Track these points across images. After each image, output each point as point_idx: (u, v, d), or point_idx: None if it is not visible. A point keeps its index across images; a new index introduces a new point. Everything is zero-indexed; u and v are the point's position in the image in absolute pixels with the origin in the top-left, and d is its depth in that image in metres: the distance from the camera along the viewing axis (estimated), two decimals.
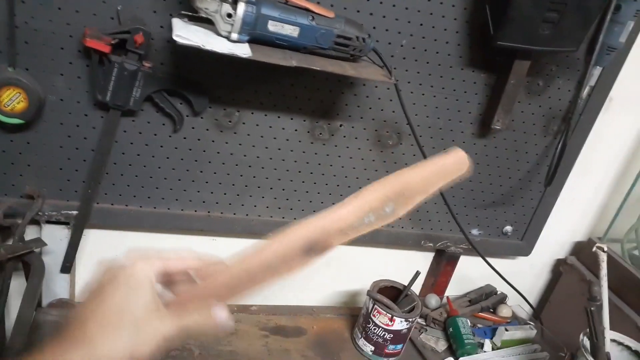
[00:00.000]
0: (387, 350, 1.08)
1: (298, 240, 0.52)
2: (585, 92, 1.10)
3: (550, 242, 1.38)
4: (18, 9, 0.79)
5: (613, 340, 1.01)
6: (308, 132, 1.02)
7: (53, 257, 0.99)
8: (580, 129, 1.17)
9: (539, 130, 1.16)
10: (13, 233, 0.91)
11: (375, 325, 1.06)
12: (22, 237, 0.91)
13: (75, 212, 0.96)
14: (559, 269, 1.39)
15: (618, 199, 1.32)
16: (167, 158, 0.97)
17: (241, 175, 1.03)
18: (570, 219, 1.37)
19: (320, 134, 1.03)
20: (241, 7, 0.74)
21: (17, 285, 0.94)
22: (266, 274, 0.52)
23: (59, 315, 0.98)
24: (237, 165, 1.02)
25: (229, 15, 0.75)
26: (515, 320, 1.31)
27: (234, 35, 0.76)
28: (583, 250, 1.37)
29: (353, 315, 1.18)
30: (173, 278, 0.53)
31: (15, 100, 0.83)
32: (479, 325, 1.25)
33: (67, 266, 1.00)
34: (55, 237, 0.97)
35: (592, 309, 0.93)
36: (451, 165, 0.57)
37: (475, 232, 1.26)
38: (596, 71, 1.08)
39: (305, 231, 0.52)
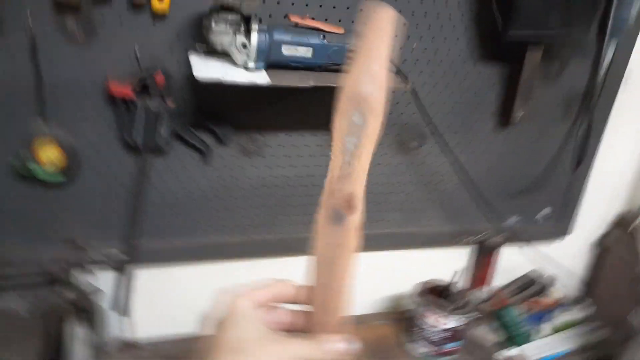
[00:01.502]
0: (444, 350, 1.07)
1: (323, 215, 0.51)
2: (603, 69, 1.09)
3: (590, 219, 1.36)
4: (44, 66, 0.82)
5: None
6: (331, 145, 1.03)
7: (109, 300, 1.02)
8: (602, 106, 1.16)
9: (560, 114, 1.15)
10: (69, 284, 0.94)
11: (429, 326, 1.06)
12: (77, 286, 0.95)
13: (123, 255, 0.99)
14: (603, 244, 1.37)
15: None
16: (200, 190, 1.00)
17: (271, 196, 1.05)
18: (606, 193, 1.35)
19: None
20: (255, 37, 0.77)
21: (79, 332, 0.97)
22: (338, 267, 0.51)
23: (124, 355, 1.01)
24: (266, 187, 1.04)
25: (244, 46, 0.78)
26: (567, 302, 1.29)
27: (251, 64, 0.78)
28: (625, 222, 1.34)
29: (400, 319, 1.18)
30: (268, 305, 0.53)
31: (52, 155, 0.87)
32: (531, 312, 1.24)
33: (123, 308, 1.03)
34: (108, 282, 1.01)
35: None
36: (376, 28, 0.49)
37: (513, 220, 1.25)
38: (611, 47, 1.07)
39: (324, 200, 0.51)
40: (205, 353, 0.49)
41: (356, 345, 0.51)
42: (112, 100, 0.87)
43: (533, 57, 1.02)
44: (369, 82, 0.48)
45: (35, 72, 0.82)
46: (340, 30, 0.83)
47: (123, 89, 0.85)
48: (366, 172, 0.50)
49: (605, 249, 1.37)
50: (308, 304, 0.52)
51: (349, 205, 0.50)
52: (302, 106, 0.98)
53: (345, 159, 0.50)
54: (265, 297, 0.52)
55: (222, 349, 0.48)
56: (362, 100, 0.48)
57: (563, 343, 1.15)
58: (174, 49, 0.87)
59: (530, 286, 1.30)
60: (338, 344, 0.50)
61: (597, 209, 1.36)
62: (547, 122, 1.16)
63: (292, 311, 0.53)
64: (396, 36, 0.48)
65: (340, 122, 0.49)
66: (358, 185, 0.50)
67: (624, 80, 1.15)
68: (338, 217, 0.50)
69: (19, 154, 0.85)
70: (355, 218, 0.50)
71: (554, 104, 1.14)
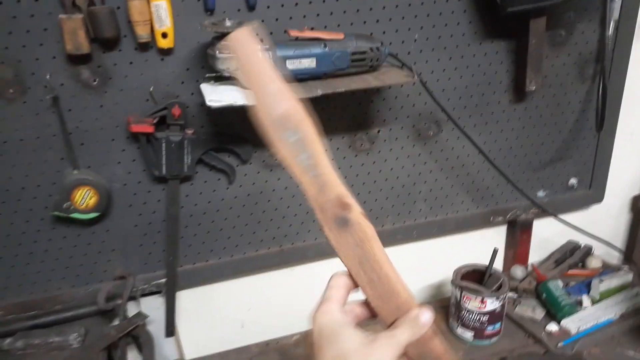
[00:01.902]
0: (486, 332, 1.08)
1: (329, 229, 0.52)
2: (612, 26, 1.07)
3: (622, 182, 1.34)
4: (67, 117, 0.87)
5: None
6: (349, 147, 1.05)
7: (156, 325, 1.07)
8: (617, 64, 1.15)
9: (575, 79, 1.14)
10: (117, 313, 0.99)
11: (469, 311, 1.07)
12: (125, 315, 0.99)
13: (164, 280, 1.03)
14: (637, 206, 1.34)
15: None
16: (230, 208, 1.03)
17: (300, 205, 1.08)
18: (635, 153, 1.32)
19: (362, 145, 1.06)
20: None
21: (133, 358, 1.02)
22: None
23: None
24: (293, 196, 1.06)
25: None
26: (607, 269, 1.27)
27: None
28: None
29: (443, 306, 1.19)
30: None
31: (86, 197, 0.91)
32: (572, 284, 1.23)
33: (171, 330, 1.08)
34: (153, 307, 1.05)
35: None
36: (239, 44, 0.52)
37: (541, 193, 1.25)
38: (616, 3, 1.05)
39: (321, 218, 0.53)
40: None
41: (432, 311, 0.52)
42: (135, 137, 0.91)
43: (537, 27, 1.01)
44: (276, 102, 0.51)
45: (60, 123, 0.86)
46: (340, 36, 0.85)
47: (143, 125, 0.89)
48: (332, 166, 0.53)
49: (639, 211, 1.35)
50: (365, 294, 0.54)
51: (343, 206, 0.52)
52: (314, 114, 1.00)
53: (310, 175, 0.52)
54: (344, 296, 0.53)
55: None
56: (282, 120, 0.52)
57: (606, 312, 1.14)
58: (186, 81, 0.90)
59: (567, 258, 1.29)
60: (422, 316, 0.51)
61: (627, 170, 1.34)
62: (562, 89, 1.14)
63: (361, 302, 0.54)
64: (262, 41, 0.50)
65: (281, 150, 0.52)
66: (337, 185, 0.52)
67: (636, 33, 1.13)
68: (342, 222, 0.53)
69: (55, 200, 0.90)
70: (356, 211, 0.52)
71: (567, 70, 1.13)
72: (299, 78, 0.84)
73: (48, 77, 0.82)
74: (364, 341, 0.49)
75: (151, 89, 0.89)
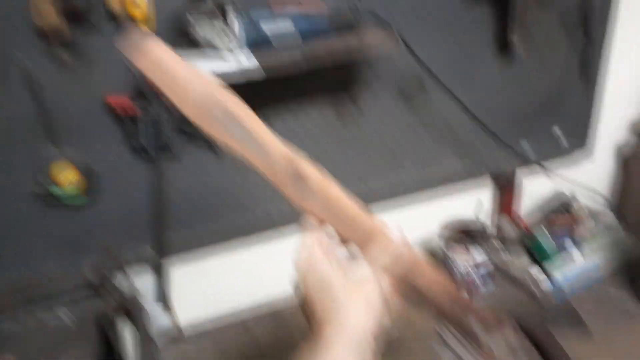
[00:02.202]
0: (476, 284, 1.10)
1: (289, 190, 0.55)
2: None
3: (607, 130, 1.34)
4: (43, 94, 0.84)
5: None
6: (334, 112, 1.04)
7: (149, 297, 1.07)
8: (602, 13, 1.13)
9: (559, 33, 1.12)
10: (107, 288, 0.99)
11: (456, 264, 1.09)
12: (116, 289, 0.99)
13: (153, 253, 1.03)
14: (623, 153, 1.35)
15: None
16: (217, 181, 1.02)
17: None
18: (621, 101, 1.32)
19: (346, 109, 1.04)
20: (232, 19, 0.76)
21: (128, 332, 1.02)
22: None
23: (172, 345, 1.07)
24: None
25: (225, 31, 0.78)
26: (593, 217, 1.29)
27: (237, 51, 0.78)
28: None
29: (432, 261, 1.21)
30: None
31: (72, 178, 0.89)
32: (558, 233, 1.25)
33: (163, 301, 1.08)
34: (145, 282, 1.05)
35: None
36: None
37: (526, 145, 1.25)
38: None
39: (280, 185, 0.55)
40: (311, 316, 0.52)
41: (400, 229, 0.56)
42: (115, 114, 0.89)
43: None
44: (191, 89, 0.52)
45: (39, 104, 0.84)
46: (319, 3, 0.82)
47: (122, 101, 0.86)
48: (267, 129, 0.55)
49: (625, 159, 1.35)
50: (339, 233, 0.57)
51: (291, 164, 0.55)
52: (298, 83, 0.98)
53: (251, 146, 0.54)
54: (320, 237, 0.56)
55: (321, 304, 0.52)
56: (203, 104, 0.52)
57: (592, 257, 1.16)
58: None
59: (554, 208, 1.31)
60: (394, 233, 0.56)
61: (614, 118, 1.34)
62: (547, 45, 1.13)
63: (338, 237, 0.57)
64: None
65: (215, 132, 0.54)
66: (279, 146, 0.55)
67: None
68: (296, 179, 0.55)
69: (38, 180, 0.88)
70: (304, 164, 0.55)
71: (551, 25, 1.11)
72: (278, 43, 0.82)
73: (21, 57, 0.79)
74: (344, 269, 0.53)
75: (126, 61, 0.86)
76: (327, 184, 0.56)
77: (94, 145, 0.91)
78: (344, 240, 0.57)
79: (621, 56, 1.23)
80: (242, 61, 0.78)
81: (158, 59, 0.52)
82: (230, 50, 0.79)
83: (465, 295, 0.58)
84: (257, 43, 0.81)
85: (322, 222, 0.56)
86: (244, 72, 0.77)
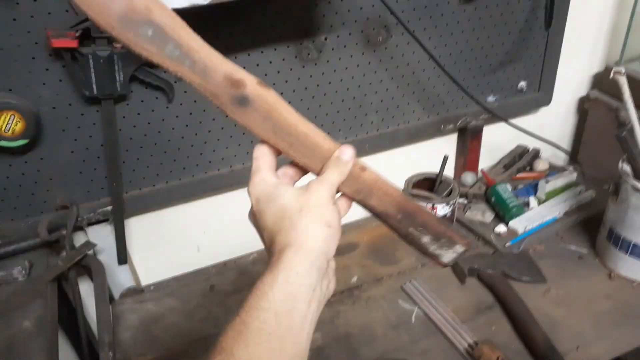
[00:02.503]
0: None
1: (232, 112, 0.52)
2: None
3: (569, 84, 1.35)
4: None
5: None
6: (296, 57, 1.00)
7: (107, 253, 1.04)
8: None
9: None
10: (63, 244, 0.95)
11: None
12: (72, 245, 0.96)
13: (110, 207, 0.99)
14: (584, 106, 1.37)
15: (625, 18, 1.27)
16: (173, 129, 0.98)
17: None
18: (582, 54, 1.33)
19: (309, 54, 1.01)
20: None
21: (87, 289, 1.00)
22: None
23: (133, 302, 1.05)
24: None
25: None
26: (553, 170, 1.31)
27: None
28: (604, 81, 1.34)
29: None
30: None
31: (12, 123, 0.84)
32: (520, 187, 1.27)
33: (122, 257, 1.05)
34: (101, 236, 1.02)
35: (623, 134, 0.92)
36: None
37: (491, 98, 1.24)
38: None
39: (220, 104, 0.52)
40: (269, 241, 0.51)
41: (352, 147, 0.54)
42: (58, 54, 0.83)
43: None
44: (113, 1, 0.46)
45: None
46: None
47: (65, 40, 0.80)
48: (207, 45, 0.50)
49: (585, 111, 1.37)
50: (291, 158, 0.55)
51: (235, 84, 0.50)
52: (255, 21, 0.94)
53: (186, 64, 0.49)
54: (271, 162, 0.54)
55: (279, 228, 0.50)
56: (128, 16, 0.46)
57: (551, 211, 1.19)
58: None
59: (516, 162, 1.32)
60: (343, 154, 0.53)
61: (575, 72, 1.35)
62: None
63: (291, 164, 0.56)
64: None
65: (143, 50, 0.47)
66: (221, 63, 0.50)
67: None
68: (241, 101, 0.51)
69: None
70: (251, 84, 0.51)
71: None
72: None
73: None
74: (298, 192, 0.52)
75: None
76: (275, 105, 0.52)
77: (38, 89, 0.85)
78: (297, 164, 0.55)
79: (583, 8, 1.23)
80: (195, 0, 0.74)
81: None
82: None
83: (421, 209, 0.56)
84: None
85: (272, 145, 0.53)
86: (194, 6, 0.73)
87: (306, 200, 0.51)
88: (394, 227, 0.57)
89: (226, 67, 0.50)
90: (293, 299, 0.47)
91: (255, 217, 0.53)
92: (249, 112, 0.51)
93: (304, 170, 0.56)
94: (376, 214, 0.56)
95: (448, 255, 0.57)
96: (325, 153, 0.53)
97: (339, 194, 0.56)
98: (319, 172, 0.54)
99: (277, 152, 0.54)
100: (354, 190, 0.55)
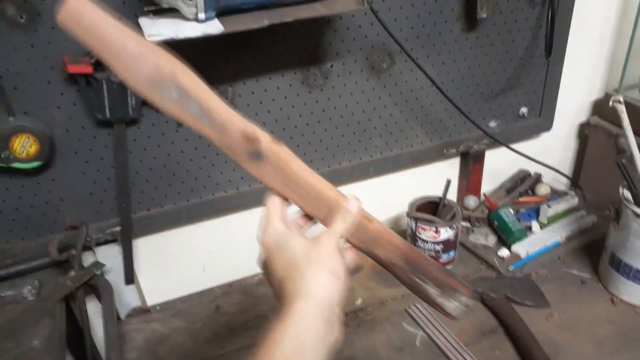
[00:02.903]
0: (441, 260, 1.12)
1: (247, 165, 0.55)
2: None
3: (569, 110, 1.38)
4: None
5: None
6: (302, 83, 1.03)
7: (114, 273, 1.05)
8: None
9: (525, 4, 1.13)
10: (72, 264, 0.97)
11: (424, 241, 1.10)
12: (81, 265, 0.97)
13: (118, 228, 1.01)
14: (585, 132, 1.39)
15: (624, 45, 1.30)
16: (182, 152, 1.00)
17: None
18: (582, 80, 1.36)
19: (315, 80, 1.04)
20: None
21: (95, 308, 1.01)
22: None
23: (139, 322, 1.06)
24: None
25: None
26: (555, 195, 1.33)
27: (201, 15, 0.76)
28: (603, 107, 1.36)
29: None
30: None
31: (26, 145, 0.86)
32: (522, 210, 1.28)
33: (130, 278, 1.06)
34: (109, 256, 1.03)
35: (622, 161, 0.94)
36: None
37: (492, 124, 1.27)
38: None
39: (237, 159, 0.55)
40: (279, 290, 0.53)
41: (357, 199, 0.57)
42: (73, 79, 0.86)
43: None
44: (141, 62, 0.49)
45: None
46: None
47: (80, 65, 0.83)
48: (224, 104, 0.53)
49: (586, 137, 1.39)
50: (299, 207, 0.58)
51: (250, 141, 0.53)
52: (264, 48, 0.97)
53: (206, 123, 0.52)
54: (282, 212, 0.57)
55: (288, 277, 0.52)
56: (155, 79, 0.49)
57: (553, 235, 1.20)
58: (124, 15, 0.84)
59: (518, 186, 1.34)
60: (349, 206, 0.56)
61: (576, 98, 1.37)
62: (513, 16, 1.14)
63: (301, 213, 0.59)
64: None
65: (168, 109, 0.51)
66: (238, 122, 0.53)
67: None
68: (255, 156, 0.54)
69: None
70: (265, 141, 0.54)
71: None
72: (244, 7, 0.80)
73: None
74: (308, 243, 0.54)
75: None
76: (287, 159, 0.55)
77: (53, 113, 0.88)
78: (306, 214, 0.58)
79: (584, 30, 1.26)
80: (208, 30, 0.76)
81: (104, 30, 0.48)
82: (196, 19, 0.77)
83: (426, 259, 0.58)
84: (224, 11, 0.79)
85: (283, 196, 0.56)
86: (207, 36, 0.76)
87: (315, 252, 0.53)
88: (399, 276, 0.59)
89: (242, 124, 0.54)
90: (303, 349, 0.48)
91: (265, 265, 0.56)
92: (262, 166, 0.54)
93: (312, 220, 0.58)
94: (382, 263, 0.58)
95: (452, 306, 0.58)
96: (333, 204, 0.56)
97: (347, 244, 0.58)
98: (327, 222, 0.56)
99: (288, 202, 0.57)
100: (360, 240, 0.57)
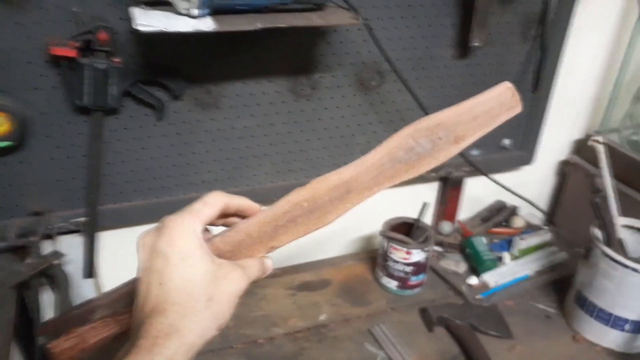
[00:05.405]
0: (410, 283, 1.11)
1: (330, 185, 0.55)
2: None
3: (551, 146, 1.39)
4: None
5: (625, 226, 1.03)
6: (290, 91, 1.02)
7: (74, 265, 1.01)
8: (559, 27, 1.16)
9: (517, 38, 1.15)
10: (30, 251, 0.93)
11: (394, 261, 1.09)
12: (39, 253, 0.94)
13: (83, 219, 0.97)
14: (564, 170, 1.41)
15: (608, 89, 1.32)
16: (158, 147, 0.98)
17: (233, 148, 1.04)
18: (566, 119, 1.37)
19: (302, 90, 1.03)
20: None
21: (48, 299, 0.97)
22: (303, 217, 0.54)
23: None
24: (227, 139, 1.02)
25: None
26: (529, 228, 1.34)
27: (195, 11, 0.75)
28: (584, 147, 1.38)
29: (372, 257, 1.21)
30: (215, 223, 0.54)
31: (1, 124, 0.83)
32: (495, 241, 1.29)
33: (89, 271, 1.03)
34: (71, 246, 1.00)
35: (597, 200, 0.95)
36: (495, 97, 0.57)
37: (475, 152, 1.27)
38: None
39: (336, 177, 0.55)
40: (152, 305, 0.46)
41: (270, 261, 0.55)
42: (56, 62, 0.83)
43: None
44: (465, 124, 0.58)
45: None
46: None
47: (65, 49, 0.81)
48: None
49: (564, 174, 1.41)
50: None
51: (360, 195, 0.58)
52: (255, 52, 0.95)
53: (384, 165, 0.57)
54: (212, 216, 0.52)
55: (173, 308, 0.45)
56: (445, 134, 0.57)
57: (523, 268, 1.20)
58: (117, 5, 0.83)
59: (493, 216, 1.34)
60: (269, 264, 0.55)
61: (558, 135, 1.39)
62: (505, 48, 1.15)
63: (222, 237, 0.53)
64: None
65: (399, 141, 0.59)
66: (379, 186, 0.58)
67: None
68: (345, 194, 0.58)
69: None
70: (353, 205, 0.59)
71: (511, 29, 1.13)
72: (239, 10, 0.79)
73: None
74: (215, 274, 0.47)
75: (75, 9, 0.81)
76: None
77: (30, 94, 0.85)
78: (230, 239, 0.53)
79: (573, 71, 1.28)
80: (200, 26, 0.75)
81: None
82: (189, 14, 0.76)
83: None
84: (218, 9, 0.77)
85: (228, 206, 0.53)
86: (198, 32, 0.74)
87: (219, 291, 0.47)
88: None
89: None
90: None
91: (142, 277, 0.48)
92: (330, 207, 0.57)
93: (234, 250, 0.53)
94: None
95: None
96: (257, 248, 0.54)
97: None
98: (239, 257, 0.52)
99: (226, 215, 0.54)
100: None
